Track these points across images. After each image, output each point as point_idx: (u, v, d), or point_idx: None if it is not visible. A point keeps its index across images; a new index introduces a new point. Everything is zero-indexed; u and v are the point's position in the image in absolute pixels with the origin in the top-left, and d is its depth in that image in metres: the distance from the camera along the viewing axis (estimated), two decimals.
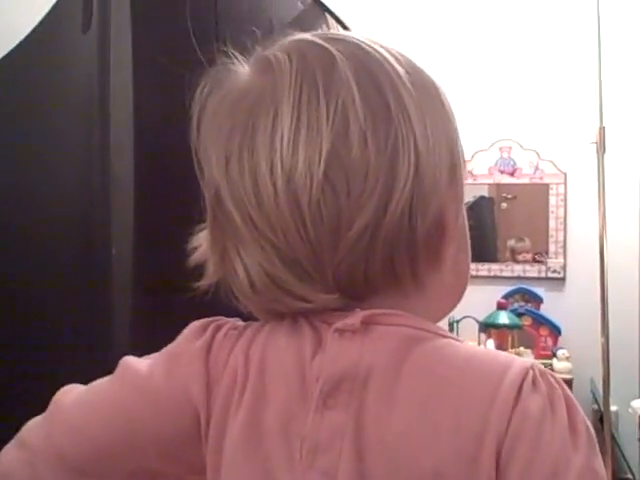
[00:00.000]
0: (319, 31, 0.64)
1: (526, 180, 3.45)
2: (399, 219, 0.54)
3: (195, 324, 0.62)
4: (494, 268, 3.38)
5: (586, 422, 0.53)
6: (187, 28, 0.94)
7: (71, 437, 0.61)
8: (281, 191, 0.53)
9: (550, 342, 3.22)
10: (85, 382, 0.61)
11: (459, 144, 0.60)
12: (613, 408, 2.98)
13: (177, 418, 0.59)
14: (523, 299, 3.33)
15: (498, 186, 3.50)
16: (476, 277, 3.27)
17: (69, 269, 0.87)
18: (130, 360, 0.62)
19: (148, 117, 0.88)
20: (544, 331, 3.23)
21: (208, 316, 0.62)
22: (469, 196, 3.52)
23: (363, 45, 0.58)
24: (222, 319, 0.62)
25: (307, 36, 0.60)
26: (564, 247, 3.38)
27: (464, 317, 3.02)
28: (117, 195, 0.83)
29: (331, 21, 1.82)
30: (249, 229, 0.55)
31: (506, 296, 3.31)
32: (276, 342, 0.58)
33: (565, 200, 3.40)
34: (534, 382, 0.53)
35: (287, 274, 0.55)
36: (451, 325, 3.06)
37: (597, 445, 0.52)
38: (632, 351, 3.24)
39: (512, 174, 3.47)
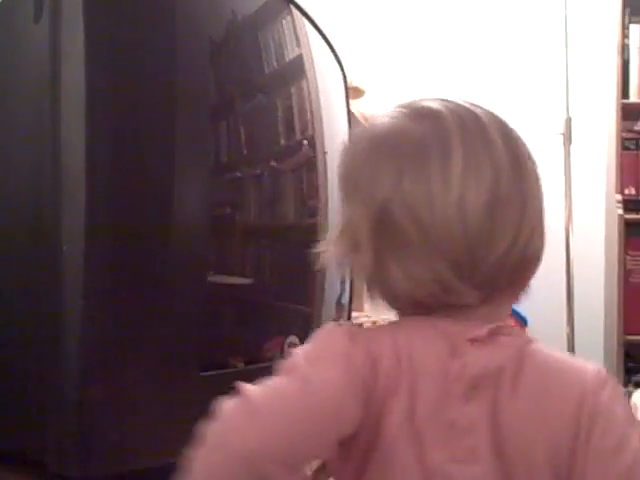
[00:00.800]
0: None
1: None
2: (524, 244, 0.76)
3: (326, 327, 0.77)
4: None
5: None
6: (142, 17, 0.92)
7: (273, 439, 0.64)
8: (453, 212, 0.71)
9: None
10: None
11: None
12: None
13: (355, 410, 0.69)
14: None
15: None
16: None
17: (16, 267, 0.85)
18: (301, 369, 0.70)
19: (101, 107, 0.86)
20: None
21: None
22: None
23: (490, 112, 0.82)
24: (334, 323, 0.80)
25: (440, 98, 0.80)
26: None
27: None
28: (68, 187, 0.81)
29: (296, 12, 1.80)
30: (419, 237, 0.72)
31: None
32: (418, 342, 0.73)
33: None
34: (605, 380, 0.75)
35: (448, 272, 0.72)
36: None
37: None
38: (596, 341, 3.26)
39: None
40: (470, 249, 0.73)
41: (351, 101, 3.18)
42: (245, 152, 1.15)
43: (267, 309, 1.15)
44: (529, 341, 0.79)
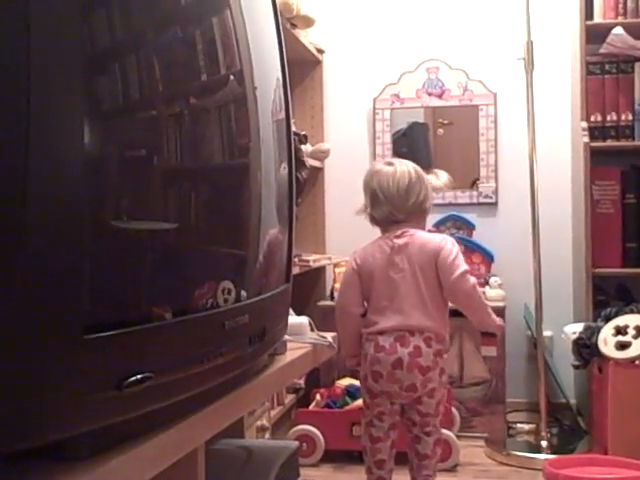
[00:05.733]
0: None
1: (455, 102, 3.31)
2: (420, 201, 2.18)
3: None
4: None
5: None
6: None
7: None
8: (395, 190, 2.17)
9: (483, 269, 3.14)
10: None
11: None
12: (547, 333, 2.94)
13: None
14: (455, 226, 3.23)
15: (434, 111, 3.35)
16: None
17: None
18: (343, 277, 2.28)
19: None
20: (477, 258, 3.15)
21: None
22: (402, 122, 3.37)
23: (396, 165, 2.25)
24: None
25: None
26: (495, 171, 3.27)
27: None
28: None
29: None
30: (384, 200, 2.16)
31: (438, 224, 3.21)
32: (376, 248, 2.16)
33: (495, 122, 3.27)
34: (445, 241, 2.13)
35: (392, 209, 2.16)
36: None
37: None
38: (566, 275, 3.18)
39: (440, 96, 3.32)
40: (400, 203, 2.16)
41: (300, 31, 3.02)
42: (162, 89, 1.00)
43: (195, 255, 1.03)
44: (416, 232, 2.15)
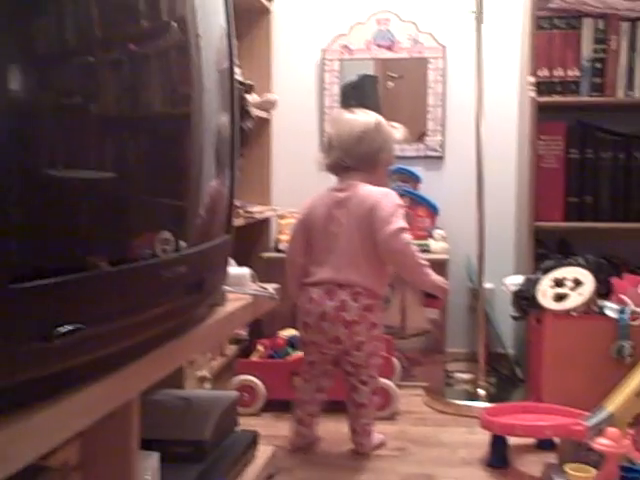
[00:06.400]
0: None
1: (404, 55, 3.29)
2: (373, 152, 2.20)
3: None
4: None
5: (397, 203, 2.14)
6: None
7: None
8: (347, 137, 2.20)
9: (428, 222, 3.17)
10: None
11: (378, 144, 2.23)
12: (488, 286, 2.99)
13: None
14: (401, 179, 3.23)
15: (384, 63, 3.33)
16: None
17: None
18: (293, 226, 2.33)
19: None
20: (422, 211, 3.17)
21: None
22: (352, 74, 3.34)
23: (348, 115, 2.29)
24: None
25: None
26: (443, 124, 3.28)
27: None
28: None
29: None
30: (336, 145, 2.21)
31: None
32: (319, 200, 2.22)
33: (444, 75, 3.27)
34: (384, 195, 2.14)
35: (343, 155, 2.19)
36: None
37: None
38: (508, 229, 3.23)
39: (390, 48, 3.30)
40: (350, 148, 2.19)
41: None
42: (99, 33, 0.98)
43: (132, 205, 1.02)
44: (360, 186, 2.16)
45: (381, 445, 2.29)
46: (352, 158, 2.19)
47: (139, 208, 1.05)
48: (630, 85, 2.89)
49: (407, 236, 2.09)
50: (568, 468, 1.93)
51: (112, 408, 0.94)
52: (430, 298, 2.15)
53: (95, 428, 1.04)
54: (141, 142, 1.08)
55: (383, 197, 2.13)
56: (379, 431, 2.32)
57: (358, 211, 2.13)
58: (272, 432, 2.36)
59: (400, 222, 2.09)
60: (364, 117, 2.24)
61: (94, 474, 1.09)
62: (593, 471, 1.92)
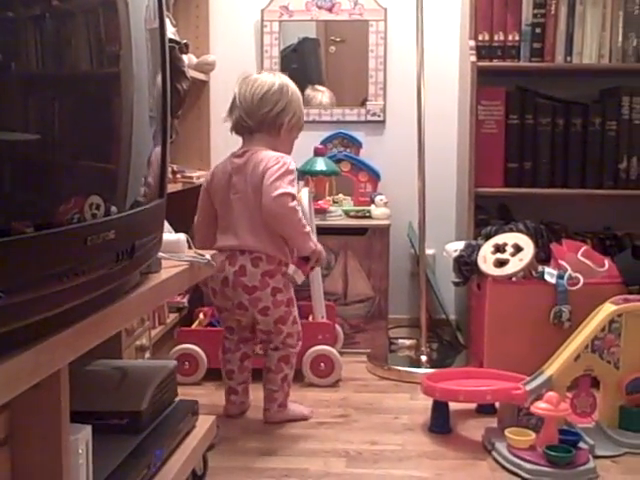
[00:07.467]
0: None
1: (345, 16, 3.23)
2: (275, 113, 2.19)
3: None
4: (312, 112, 3.19)
5: (287, 168, 2.13)
6: None
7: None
8: (250, 98, 2.20)
9: (369, 188, 3.14)
10: None
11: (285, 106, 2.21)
12: (429, 251, 2.99)
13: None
14: (342, 144, 3.20)
15: (326, 26, 3.26)
16: None
17: None
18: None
19: None
20: (363, 177, 3.14)
21: None
22: (293, 37, 3.27)
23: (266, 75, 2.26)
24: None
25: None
26: (384, 89, 3.24)
27: None
28: None
29: None
30: (239, 105, 2.21)
31: (324, 142, 3.16)
32: (220, 167, 2.25)
33: (385, 38, 3.22)
34: (276, 160, 2.14)
35: (244, 115, 2.20)
36: None
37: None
38: (449, 195, 3.23)
39: (330, 10, 3.23)
40: (250, 108, 2.19)
41: None
42: None
43: (58, 168, 0.97)
44: (258, 151, 2.17)
45: (302, 419, 2.25)
46: (253, 119, 2.18)
47: (66, 171, 1.00)
48: (569, 51, 2.89)
49: (290, 201, 2.08)
50: (508, 432, 1.95)
51: (37, 380, 0.89)
52: (301, 260, 2.12)
53: (21, 401, 0.98)
54: (67, 103, 1.03)
55: (274, 162, 2.12)
56: (321, 398, 2.30)
57: (253, 177, 2.13)
58: (214, 401, 2.33)
59: (286, 187, 2.08)
60: (269, 78, 2.22)
61: (22, 449, 1.04)
62: (533, 435, 1.94)
